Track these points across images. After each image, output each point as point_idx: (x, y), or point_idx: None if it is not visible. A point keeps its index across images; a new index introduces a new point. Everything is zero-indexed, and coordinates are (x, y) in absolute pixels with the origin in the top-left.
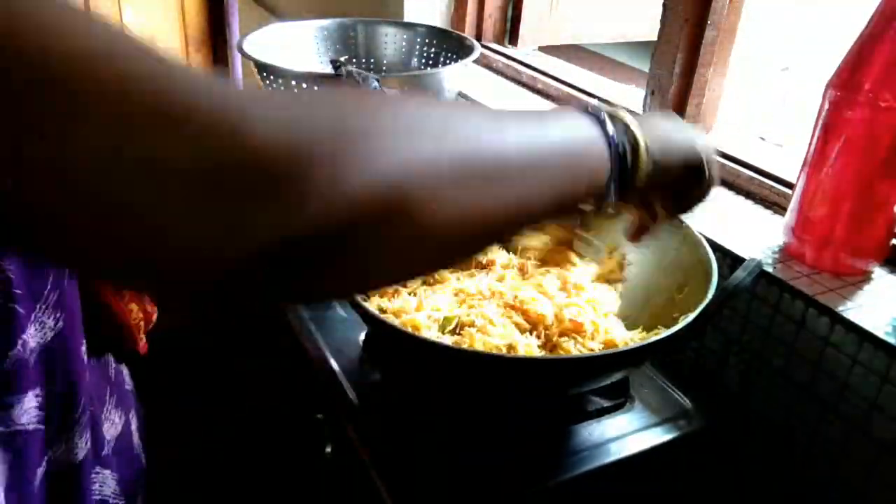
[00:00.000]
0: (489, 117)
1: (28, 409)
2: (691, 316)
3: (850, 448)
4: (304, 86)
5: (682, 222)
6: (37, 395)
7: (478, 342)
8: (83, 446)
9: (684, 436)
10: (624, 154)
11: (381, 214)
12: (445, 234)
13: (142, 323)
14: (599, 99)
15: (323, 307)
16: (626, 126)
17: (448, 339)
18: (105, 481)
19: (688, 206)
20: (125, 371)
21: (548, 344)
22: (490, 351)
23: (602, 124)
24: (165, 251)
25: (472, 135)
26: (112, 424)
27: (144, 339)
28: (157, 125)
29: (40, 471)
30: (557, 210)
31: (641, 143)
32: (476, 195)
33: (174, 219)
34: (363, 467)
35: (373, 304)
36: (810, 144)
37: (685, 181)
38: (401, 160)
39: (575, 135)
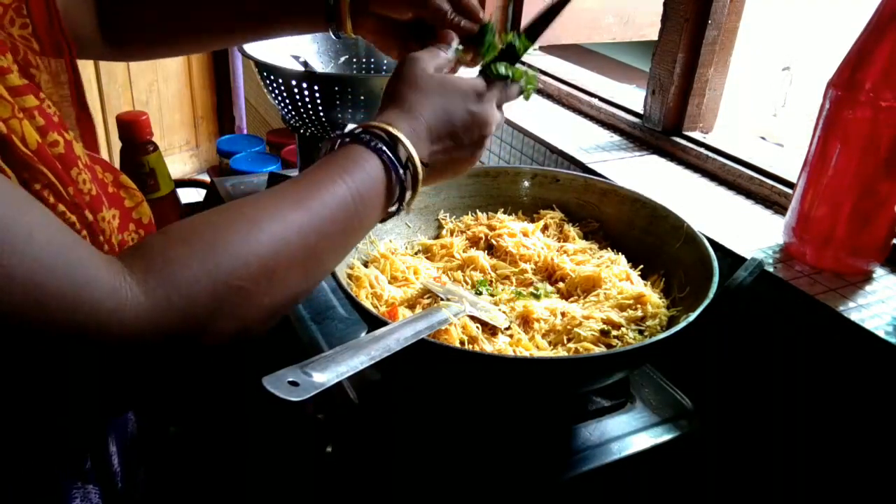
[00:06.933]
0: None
1: None
2: (692, 316)
3: (851, 448)
4: (304, 85)
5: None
6: None
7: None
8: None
9: (684, 436)
10: (405, 178)
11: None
12: (277, 303)
13: None
14: (600, 99)
15: (323, 307)
16: (403, 147)
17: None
18: (87, 496)
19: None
20: None
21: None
22: (491, 351)
23: (379, 152)
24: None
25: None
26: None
27: None
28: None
29: None
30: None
31: (416, 160)
32: (290, 278)
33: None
34: (363, 467)
35: (373, 302)
36: (811, 144)
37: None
38: (220, 272)
39: (363, 189)
